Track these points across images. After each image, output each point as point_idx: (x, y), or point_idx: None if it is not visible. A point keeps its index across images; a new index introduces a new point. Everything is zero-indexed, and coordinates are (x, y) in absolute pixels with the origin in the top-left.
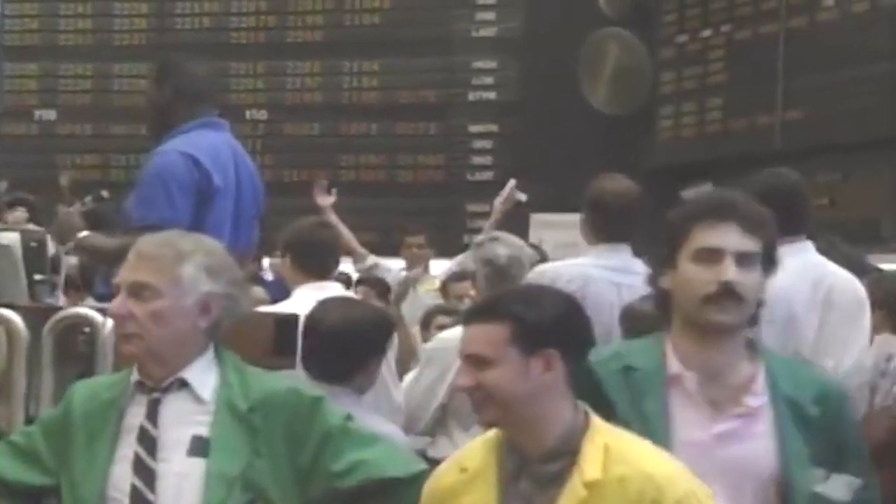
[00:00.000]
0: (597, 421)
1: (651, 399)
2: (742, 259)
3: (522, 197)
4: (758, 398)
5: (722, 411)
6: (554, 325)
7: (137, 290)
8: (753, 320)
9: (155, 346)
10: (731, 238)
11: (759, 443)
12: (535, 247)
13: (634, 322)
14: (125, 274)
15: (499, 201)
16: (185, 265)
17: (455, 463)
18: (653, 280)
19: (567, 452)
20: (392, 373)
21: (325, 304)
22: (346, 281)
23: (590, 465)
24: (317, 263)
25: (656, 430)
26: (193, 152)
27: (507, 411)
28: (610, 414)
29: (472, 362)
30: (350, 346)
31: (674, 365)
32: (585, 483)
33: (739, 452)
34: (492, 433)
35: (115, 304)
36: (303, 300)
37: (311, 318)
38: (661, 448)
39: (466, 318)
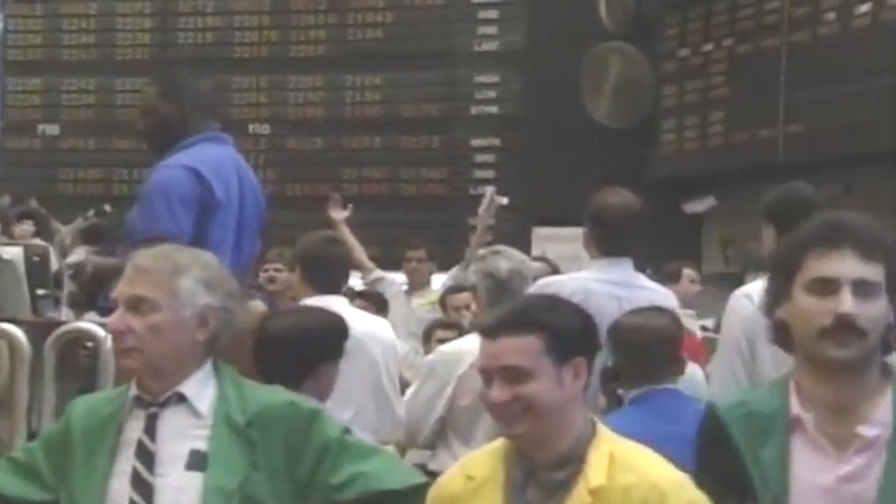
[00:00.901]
0: (603, 429)
1: (770, 444)
2: (861, 288)
3: (504, 201)
4: (875, 428)
5: (845, 450)
6: (580, 334)
7: (135, 304)
8: (887, 346)
9: (154, 360)
10: (846, 266)
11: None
12: (544, 259)
13: (623, 334)
14: (123, 288)
15: (482, 209)
16: (182, 278)
17: (460, 471)
18: (769, 311)
19: (574, 460)
20: (395, 387)
21: (277, 313)
22: (352, 295)
23: (594, 472)
24: (326, 278)
25: (771, 477)
26: (195, 165)
27: (541, 422)
28: (735, 459)
29: (506, 375)
30: (295, 352)
31: (794, 406)
32: (590, 490)
33: (862, 491)
34: (498, 443)
35: (114, 318)
36: None
37: (261, 325)
38: (779, 494)
39: (491, 331)
